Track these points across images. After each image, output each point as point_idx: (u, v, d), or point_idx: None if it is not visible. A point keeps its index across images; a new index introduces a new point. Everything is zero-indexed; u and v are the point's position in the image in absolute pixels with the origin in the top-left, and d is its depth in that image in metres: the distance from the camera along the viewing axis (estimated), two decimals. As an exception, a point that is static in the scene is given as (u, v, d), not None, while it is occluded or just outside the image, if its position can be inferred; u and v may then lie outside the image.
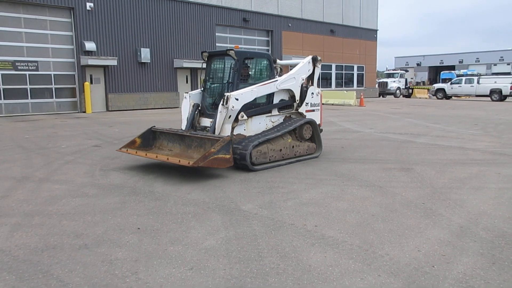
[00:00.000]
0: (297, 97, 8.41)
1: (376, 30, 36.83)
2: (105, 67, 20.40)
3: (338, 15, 32.88)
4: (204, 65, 8.35)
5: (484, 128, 13.31)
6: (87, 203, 5.23)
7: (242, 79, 7.72)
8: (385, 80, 40.37)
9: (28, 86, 18.43)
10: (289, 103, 8.40)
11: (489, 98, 31.06)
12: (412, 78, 67.31)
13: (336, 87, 33.57)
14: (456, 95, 33.90)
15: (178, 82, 23.63)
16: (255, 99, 7.62)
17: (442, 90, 34.44)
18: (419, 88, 42.20)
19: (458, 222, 4.55)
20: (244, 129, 7.65)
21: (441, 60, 79.82)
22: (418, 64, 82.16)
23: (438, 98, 34.33)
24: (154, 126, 7.96)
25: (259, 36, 27.74)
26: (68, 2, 18.85)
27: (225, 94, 7.19)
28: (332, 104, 26.05)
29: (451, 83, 34.02)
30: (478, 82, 31.85)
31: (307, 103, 8.66)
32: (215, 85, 8.10)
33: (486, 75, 38.03)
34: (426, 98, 36.71)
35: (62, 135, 11.73)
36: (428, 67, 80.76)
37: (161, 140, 7.78)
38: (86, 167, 7.45)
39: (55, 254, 3.69)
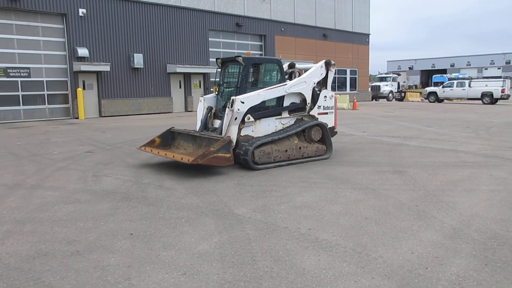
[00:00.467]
0: (308, 100, 8.72)
1: (369, 35, 37.10)
2: (98, 73, 20.33)
3: (331, 19, 33.09)
4: (219, 70, 8.89)
5: (476, 131, 13.42)
6: (79, 209, 5.19)
7: (251, 83, 8.24)
8: (377, 83, 40.59)
9: (20, 93, 18.30)
10: (300, 106, 8.71)
11: (480, 101, 31.33)
12: (404, 82, 67.82)
13: (329, 91, 33.61)
14: (448, 98, 34.16)
15: (172, 87, 23.60)
16: (264, 102, 8.06)
17: (434, 93, 34.70)
18: (411, 92, 42.50)
19: (451, 224, 4.57)
20: (252, 131, 8.02)
21: (433, 64, 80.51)
22: (410, 68, 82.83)
23: (430, 101, 34.57)
24: (173, 127, 8.62)
25: (252, 41, 27.81)
26: (60, 8, 18.79)
27: (231, 97, 7.62)
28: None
29: (443, 87, 34.29)
30: (469, 86, 32.13)
31: (320, 106, 8.91)
32: (228, 89, 8.54)
33: (477, 78, 38.38)
34: (418, 101, 36.96)
35: (55, 141, 11.66)
36: (420, 70, 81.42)
37: (179, 140, 8.45)
38: (79, 173, 7.40)
39: (46, 261, 3.66)
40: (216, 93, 8.80)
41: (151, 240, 4.14)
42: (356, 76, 36.57)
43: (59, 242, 4.09)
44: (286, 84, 8.33)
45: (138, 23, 21.54)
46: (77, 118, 19.48)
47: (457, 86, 32.96)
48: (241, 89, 8.00)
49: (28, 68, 18.35)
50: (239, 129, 7.76)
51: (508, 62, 75.96)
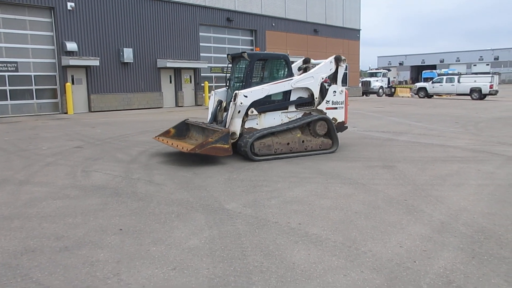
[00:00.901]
0: (316, 95, 8.80)
1: (359, 30, 37.19)
2: (87, 68, 20.10)
3: (322, 15, 33.10)
4: (230, 65, 9.27)
5: (465, 126, 13.56)
6: (68, 205, 5.15)
7: (260, 78, 8.54)
8: (368, 79, 40.75)
9: (8, 87, 18.03)
10: (308, 101, 8.82)
11: (469, 97, 31.64)
12: (394, 77, 68.21)
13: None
14: (437, 94, 34.43)
15: (162, 82, 23.44)
16: (270, 96, 8.27)
17: (424, 89, 34.93)
18: (401, 87, 42.76)
19: (439, 218, 4.62)
20: (257, 124, 8.28)
21: (423, 60, 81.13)
22: (400, 64, 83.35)
23: (420, 97, 34.82)
24: (188, 119, 9.08)
25: (243, 36, 27.72)
26: (48, 2, 18.51)
27: (235, 91, 7.90)
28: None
29: (433, 82, 34.54)
30: (458, 81, 32.41)
31: (328, 101, 8.98)
32: (238, 84, 8.79)
33: (466, 74, 38.71)
34: (408, 97, 37.20)
35: (43, 136, 11.52)
36: (410, 66, 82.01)
37: (192, 131, 8.92)
38: (68, 168, 7.33)
39: (34, 257, 3.62)
40: (227, 87, 9.16)
41: (141, 236, 4.12)
42: (347, 71, 36.66)
43: (48, 238, 4.05)
44: (292, 79, 8.46)
45: (128, 17, 21.32)
46: (66, 113, 19.26)
47: (446, 82, 33.24)
48: (246, 84, 8.27)
49: (16, 62, 18.07)
50: (243, 122, 8.00)
51: (496, 58, 76.84)
